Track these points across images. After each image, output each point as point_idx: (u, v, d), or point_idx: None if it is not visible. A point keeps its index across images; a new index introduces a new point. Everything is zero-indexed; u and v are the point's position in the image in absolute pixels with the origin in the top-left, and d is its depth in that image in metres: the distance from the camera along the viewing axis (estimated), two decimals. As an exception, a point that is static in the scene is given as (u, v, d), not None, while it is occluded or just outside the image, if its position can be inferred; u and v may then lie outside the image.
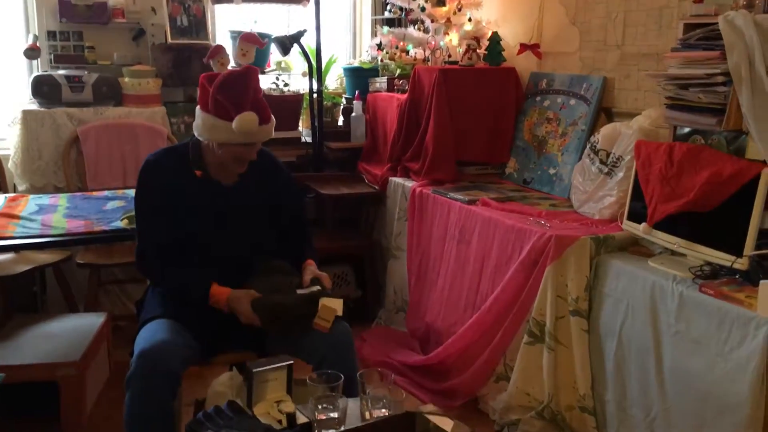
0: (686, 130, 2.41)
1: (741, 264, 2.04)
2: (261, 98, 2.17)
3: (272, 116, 2.20)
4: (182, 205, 2.19)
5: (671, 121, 2.40)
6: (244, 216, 2.24)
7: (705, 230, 2.18)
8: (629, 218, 2.48)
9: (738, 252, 2.05)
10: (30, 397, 2.69)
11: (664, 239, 2.30)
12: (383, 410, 1.63)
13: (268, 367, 1.64)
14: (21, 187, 3.51)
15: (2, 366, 2.51)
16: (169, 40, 3.81)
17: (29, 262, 3.18)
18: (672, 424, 2.14)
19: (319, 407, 1.60)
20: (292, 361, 1.69)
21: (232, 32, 3.97)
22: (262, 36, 3.92)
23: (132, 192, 3.05)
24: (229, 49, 2.83)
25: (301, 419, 1.60)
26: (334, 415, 1.61)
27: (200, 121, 2.17)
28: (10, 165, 3.52)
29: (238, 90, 2.09)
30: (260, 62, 4.05)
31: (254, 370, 1.62)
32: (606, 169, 2.74)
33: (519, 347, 2.60)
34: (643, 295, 2.24)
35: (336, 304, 2.06)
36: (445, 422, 1.48)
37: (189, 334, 2.06)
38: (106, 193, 3.13)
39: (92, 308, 3.27)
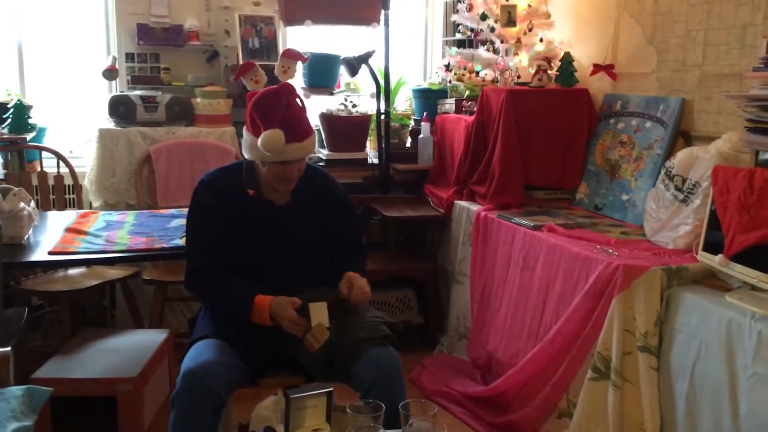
0: (769, 155, 2.23)
1: (829, 302, 1.86)
2: (295, 115, 2.12)
3: (311, 134, 2.17)
4: (235, 225, 2.19)
5: (752, 146, 2.23)
6: (296, 236, 2.22)
7: (789, 264, 2.00)
8: (705, 249, 2.31)
9: (826, 289, 1.87)
10: (90, 411, 2.74)
11: (742, 272, 2.13)
12: (425, 445, 1.55)
13: (306, 393, 1.59)
14: (96, 204, 3.62)
15: (63, 379, 2.56)
16: (241, 62, 3.87)
17: (99, 277, 3.26)
18: (749, 476, 1.96)
19: (358, 438, 1.53)
20: (332, 389, 1.63)
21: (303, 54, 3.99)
22: (331, 57, 3.94)
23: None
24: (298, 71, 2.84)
25: (339, 450, 1.54)
26: (374, 447, 1.54)
27: (243, 140, 2.19)
28: (86, 182, 3.65)
29: (269, 107, 2.08)
30: (330, 83, 4.06)
31: (292, 396, 1.57)
32: (681, 196, 2.57)
33: (583, 383, 2.46)
34: (719, 333, 2.07)
35: (321, 312, 1.99)
36: (488, 463, 1.38)
37: (237, 356, 2.04)
38: (172, 211, 3.18)
39: (157, 324, 3.32)
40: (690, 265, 2.35)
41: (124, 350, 2.88)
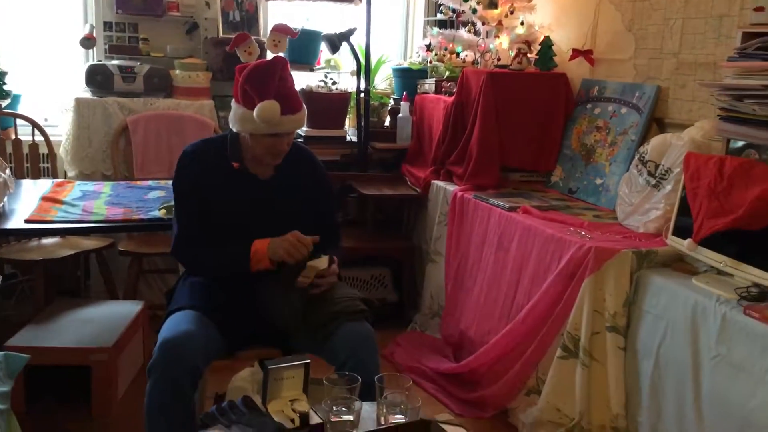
0: (740, 143, 2.29)
1: (791, 287, 1.93)
2: (288, 88, 2.14)
3: (303, 108, 2.19)
4: (218, 197, 2.19)
5: (724, 134, 2.29)
6: (279, 210, 2.23)
7: (754, 250, 2.06)
8: (675, 233, 2.37)
9: (788, 275, 1.94)
10: (63, 380, 2.74)
11: (710, 257, 2.19)
12: (400, 416, 1.59)
13: (284, 365, 1.62)
14: (71, 174, 3.59)
15: (37, 348, 2.56)
16: (221, 35, 3.85)
17: (73, 247, 3.24)
18: (708, 452, 2.04)
19: (334, 409, 1.56)
20: (308, 360, 1.67)
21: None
22: (312, 33, 3.93)
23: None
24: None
25: (315, 419, 1.57)
26: (349, 417, 1.57)
27: (232, 112, 2.19)
28: (61, 151, 3.61)
29: (264, 79, 2.09)
30: (310, 59, 4.06)
31: (270, 367, 1.60)
32: (654, 182, 2.63)
33: (552, 361, 2.52)
34: (684, 315, 2.14)
35: (321, 263, 2.07)
36: (460, 433, 1.43)
37: (214, 327, 2.06)
38: (149, 182, 3.17)
39: (131, 296, 3.32)
40: (659, 248, 2.41)
41: (99, 320, 2.89)
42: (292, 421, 1.55)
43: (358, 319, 2.08)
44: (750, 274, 2.07)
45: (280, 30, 2.35)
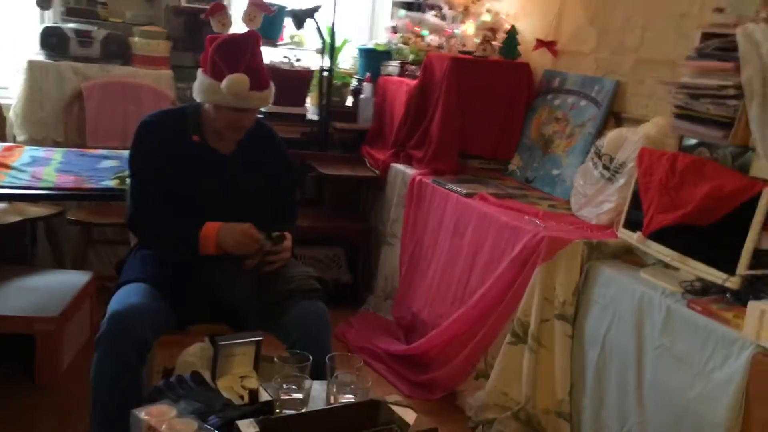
0: (693, 141, 2.35)
1: (733, 283, 1.99)
2: (259, 64, 2.12)
3: (271, 85, 2.17)
4: (177, 170, 2.15)
5: (678, 131, 2.34)
6: (238, 185, 2.20)
7: (700, 245, 2.12)
8: (626, 226, 2.42)
9: (731, 270, 1.99)
10: (7, 349, 2.68)
11: (658, 251, 2.25)
12: (350, 396, 1.60)
13: (235, 341, 1.61)
14: (20, 138, 3.48)
15: (-21, 315, 2.50)
16: (183, 3, 3.76)
17: (20, 214, 3.15)
18: (646, 438, 2.10)
19: (284, 387, 1.56)
20: (261, 338, 1.66)
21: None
22: (277, 8, 3.87)
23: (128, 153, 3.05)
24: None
25: (264, 397, 1.57)
26: (299, 395, 1.57)
27: (198, 82, 2.15)
28: (11, 114, 3.50)
29: (235, 52, 2.06)
30: (273, 34, 3.99)
31: (220, 343, 1.58)
32: (608, 175, 2.68)
33: (501, 346, 2.56)
34: (631, 306, 2.19)
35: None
36: (408, 414, 1.45)
37: (165, 301, 2.03)
38: (102, 151, 3.11)
39: (80, 266, 3.25)
40: (610, 240, 2.46)
41: (45, 289, 2.83)
42: (242, 397, 1.55)
43: (311, 297, 2.07)
44: (695, 269, 2.12)
45: (257, 5, 2.31)
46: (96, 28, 3.58)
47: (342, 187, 3.93)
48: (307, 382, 1.58)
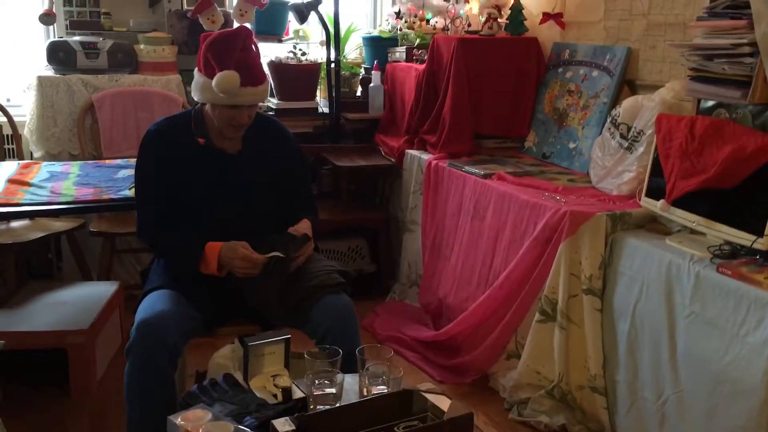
0: (710, 103, 2.30)
1: (761, 244, 1.96)
2: (251, 59, 2.12)
3: (265, 80, 2.17)
4: (185, 174, 2.16)
5: (694, 94, 2.30)
6: (247, 184, 2.21)
7: (725, 208, 2.09)
8: (648, 195, 2.39)
9: (759, 232, 1.96)
10: (40, 363, 2.71)
11: (682, 217, 2.22)
12: (382, 387, 1.60)
13: (264, 341, 1.61)
14: (37, 154, 3.52)
15: (12, 332, 2.53)
16: (185, 7, 3.76)
17: (43, 230, 3.18)
18: (684, 408, 2.08)
19: (316, 382, 1.56)
20: (289, 335, 1.66)
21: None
22: (279, 3, 3.85)
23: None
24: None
25: (297, 394, 1.57)
26: (331, 390, 1.57)
27: (194, 82, 2.16)
28: (25, 131, 3.53)
29: (225, 49, 2.06)
30: (278, 30, 3.98)
31: (250, 344, 1.59)
32: (626, 144, 2.64)
33: (531, 325, 2.54)
34: (659, 275, 2.16)
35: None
36: (443, 401, 1.44)
37: (191, 306, 2.04)
38: (118, 161, 3.11)
39: (105, 277, 3.28)
40: (633, 210, 2.43)
41: (74, 302, 2.85)
42: (275, 396, 1.55)
43: (336, 291, 2.07)
44: (722, 233, 2.10)
45: (248, 0, 2.31)
46: (101, 39, 3.59)
47: (358, 177, 3.92)
48: (339, 377, 1.58)
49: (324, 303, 2.03)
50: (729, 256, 2.05)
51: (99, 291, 2.97)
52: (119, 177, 2.81)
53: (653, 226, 2.39)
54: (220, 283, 2.09)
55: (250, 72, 2.09)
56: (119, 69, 3.62)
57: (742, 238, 2.02)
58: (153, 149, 2.20)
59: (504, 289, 2.65)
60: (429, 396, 1.46)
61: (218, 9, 2.26)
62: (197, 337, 2.07)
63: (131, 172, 2.89)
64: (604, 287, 2.38)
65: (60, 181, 2.70)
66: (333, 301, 2.04)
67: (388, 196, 3.89)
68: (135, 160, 3.10)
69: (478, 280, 2.89)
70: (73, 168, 2.94)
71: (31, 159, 3.49)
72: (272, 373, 1.61)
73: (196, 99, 2.19)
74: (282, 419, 1.34)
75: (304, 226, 2.20)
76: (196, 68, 2.18)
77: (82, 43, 3.53)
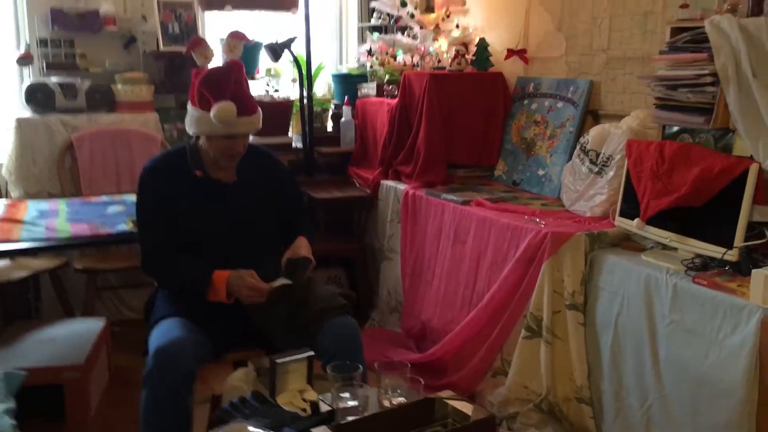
0: (674, 129, 2.51)
1: (731, 255, 2.14)
2: (244, 91, 2.25)
3: (258, 110, 2.28)
4: (185, 206, 2.24)
5: (661, 121, 2.51)
6: (246, 213, 2.30)
7: (696, 224, 2.28)
8: (621, 214, 2.57)
9: (728, 244, 2.15)
10: (34, 401, 2.70)
11: (656, 234, 2.40)
12: (401, 398, 1.69)
13: (290, 358, 1.70)
14: (14, 194, 3.51)
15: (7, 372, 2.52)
16: (161, 47, 3.84)
17: (26, 269, 3.18)
18: (668, 411, 2.23)
19: (341, 396, 1.65)
20: (312, 353, 1.75)
21: (223, 39, 4.00)
22: (252, 43, 3.97)
23: (130, 197, 3.11)
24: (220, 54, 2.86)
25: (324, 408, 1.65)
26: (355, 403, 1.66)
27: (188, 116, 2.26)
28: (3, 172, 3.53)
29: (220, 82, 2.18)
30: (250, 69, 4.10)
31: (277, 361, 1.67)
32: (596, 169, 2.83)
33: (516, 343, 2.67)
34: (638, 288, 2.33)
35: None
36: (465, 406, 1.55)
37: (201, 332, 2.11)
38: (104, 198, 3.16)
39: (89, 314, 3.28)
40: (609, 230, 2.61)
41: (64, 339, 2.86)
42: (304, 410, 1.63)
43: (341, 313, 2.17)
44: (693, 247, 2.28)
45: (236, 36, 2.42)
46: (79, 79, 3.64)
47: (334, 209, 4.03)
48: (363, 390, 1.67)
49: (331, 325, 2.12)
50: (701, 268, 2.23)
51: (87, 327, 2.98)
52: (110, 213, 2.86)
53: (628, 243, 2.57)
54: (228, 309, 2.16)
55: (245, 102, 2.22)
56: (97, 108, 3.67)
57: (713, 250, 2.20)
58: (152, 184, 2.27)
59: (489, 309, 2.78)
60: (451, 402, 1.56)
61: (209, 45, 2.37)
62: (208, 363, 2.13)
63: (121, 207, 2.96)
64: (586, 302, 2.54)
65: (52, 218, 2.73)
66: (339, 323, 2.13)
67: (364, 226, 4.01)
68: (119, 196, 3.21)
69: (461, 302, 3.01)
70: (60, 205, 2.97)
71: (8, 199, 3.49)
72: (297, 389, 1.69)
73: (191, 132, 2.28)
74: (320, 428, 1.43)
75: (302, 245, 2.29)
76: (189, 103, 2.28)
77: (60, 84, 3.57)
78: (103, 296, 3.65)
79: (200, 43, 2.40)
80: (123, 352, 3.26)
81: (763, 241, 2.09)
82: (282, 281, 2.10)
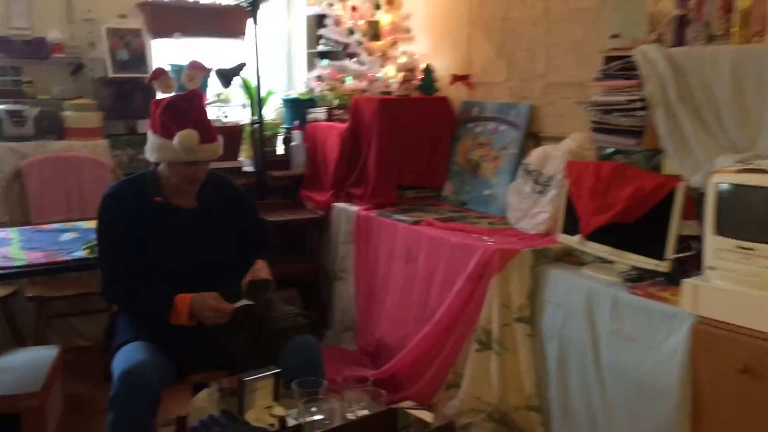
0: (609, 150, 2.70)
1: (663, 267, 2.32)
2: (205, 119, 2.33)
3: (218, 137, 2.36)
4: (147, 232, 2.28)
5: (597, 143, 2.69)
6: (207, 238, 2.35)
7: (631, 239, 2.44)
8: (563, 231, 2.73)
9: (660, 257, 2.32)
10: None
11: (595, 249, 2.56)
12: (364, 411, 1.78)
13: (257, 376, 1.77)
14: (-39, 223, 3.47)
15: (-38, 402, 2.50)
16: (110, 74, 3.87)
17: (-24, 298, 3.15)
18: (611, 414, 2.38)
19: (308, 410, 1.73)
20: (279, 370, 1.82)
21: (173, 65, 4.05)
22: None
23: (82, 224, 3.13)
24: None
25: (291, 422, 1.72)
26: (321, 416, 1.74)
27: (149, 143, 2.32)
28: (-51, 200, 3.48)
29: (182, 110, 2.25)
30: (200, 95, 4.15)
31: (245, 379, 1.74)
32: (539, 188, 3.00)
33: (468, 356, 2.79)
34: (580, 300, 2.48)
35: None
36: (426, 415, 1.65)
37: (165, 354, 2.15)
38: (55, 225, 3.15)
39: (41, 342, 3.26)
40: (552, 246, 2.76)
41: (18, 368, 2.84)
42: (272, 426, 1.70)
43: (303, 332, 2.24)
44: (629, 260, 2.45)
45: (196, 66, 2.50)
46: (27, 106, 3.63)
47: (287, 231, 4.09)
48: (329, 403, 1.75)
49: (293, 343, 2.19)
50: (637, 279, 2.40)
51: (41, 355, 2.96)
52: (64, 240, 2.86)
53: (570, 258, 2.72)
54: (190, 331, 2.21)
55: (207, 130, 2.29)
56: (46, 135, 3.66)
57: (647, 263, 2.38)
58: (113, 211, 2.31)
59: (441, 324, 2.90)
60: (412, 411, 1.66)
61: (170, 75, 2.44)
62: (171, 385, 2.17)
63: (74, 234, 2.97)
64: (533, 315, 2.68)
65: (5, 246, 2.73)
66: (301, 341, 2.21)
67: (317, 248, 4.08)
68: (72, 223, 3.21)
69: (414, 319, 3.12)
70: (12, 233, 2.96)
71: (-46, 228, 3.44)
72: (264, 406, 1.76)
73: (152, 159, 2.34)
74: (290, 441, 1.50)
75: (261, 267, 2.35)
76: (150, 131, 2.33)
77: (8, 111, 3.56)
78: (54, 324, 3.62)
79: (162, 74, 2.46)
80: (76, 380, 3.25)
81: (691, 253, 2.26)
82: (244, 302, 2.17)
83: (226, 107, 4.32)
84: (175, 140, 2.20)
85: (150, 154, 2.32)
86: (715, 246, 2.04)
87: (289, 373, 2.12)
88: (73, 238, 2.87)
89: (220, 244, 2.37)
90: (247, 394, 1.74)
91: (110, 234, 2.30)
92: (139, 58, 3.97)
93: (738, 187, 1.99)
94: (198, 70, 2.60)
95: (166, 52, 4.21)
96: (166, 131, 2.25)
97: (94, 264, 2.54)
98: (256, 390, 1.77)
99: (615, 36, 2.66)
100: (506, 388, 2.71)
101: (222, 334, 2.19)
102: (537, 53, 3.34)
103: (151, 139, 2.31)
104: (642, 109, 2.41)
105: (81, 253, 2.62)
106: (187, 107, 2.27)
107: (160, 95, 2.55)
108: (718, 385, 2.04)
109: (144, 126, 4.05)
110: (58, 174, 3.61)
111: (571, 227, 2.67)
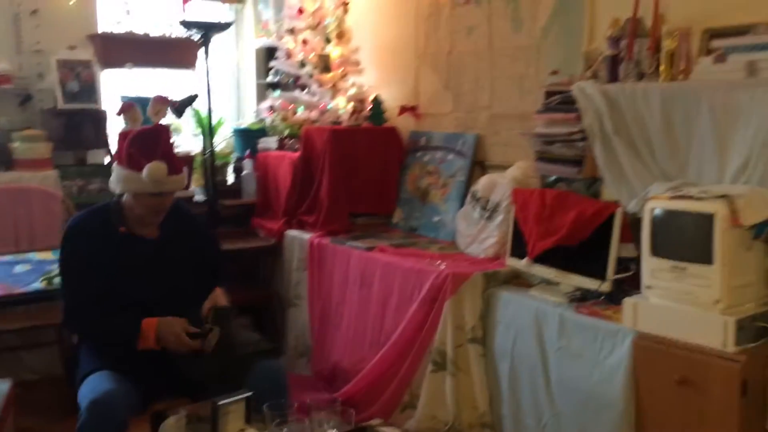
0: (552, 178, 2.87)
1: (605, 287, 2.48)
2: (172, 151, 2.41)
3: (183, 169, 2.43)
4: (110, 261, 2.32)
5: (541, 171, 2.86)
6: (170, 267, 2.41)
7: (575, 261, 2.60)
8: (511, 255, 2.88)
9: (602, 277, 2.49)
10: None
11: (542, 271, 2.72)
12: (334, 430, 1.86)
13: (230, 399, 1.83)
14: None
15: None
16: (61, 105, 3.86)
17: None
18: (561, 428, 2.51)
19: (284, 430, 1.80)
20: (251, 392, 1.88)
21: (123, 97, 4.07)
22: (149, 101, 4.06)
23: (35, 255, 3.12)
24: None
25: (264, 444, 1.79)
26: (292, 437, 1.82)
27: (115, 175, 2.37)
28: None
29: (151, 143, 2.32)
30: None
31: (219, 403, 1.79)
32: (487, 214, 3.15)
33: (423, 377, 2.90)
34: (529, 320, 2.62)
35: (214, 335, 2.25)
36: (394, 431, 1.74)
37: (130, 383, 2.18)
38: (7, 257, 3.13)
39: (-11, 376, 3.20)
40: (500, 269, 2.91)
41: (-29, 403, 2.79)
42: (245, 447, 1.76)
43: (267, 357, 2.31)
44: (574, 281, 2.61)
45: (160, 100, 2.56)
46: (-26, 138, 3.60)
47: (239, 259, 4.13)
48: (299, 425, 1.83)
49: (259, 368, 2.26)
50: (582, 299, 2.56)
51: (-7, 390, 2.92)
52: (19, 272, 2.86)
53: (518, 280, 2.87)
54: (153, 359, 2.25)
55: (173, 162, 2.36)
56: (-6, 167, 3.63)
57: (590, 284, 2.54)
58: (77, 241, 2.34)
59: (397, 346, 3.00)
60: (381, 428, 1.75)
61: (138, 109, 2.49)
62: (138, 414, 2.20)
63: (27, 266, 2.97)
64: (485, 335, 2.81)
65: (-43, 279, 2.71)
66: (267, 366, 2.28)
67: (270, 275, 4.14)
68: (23, 255, 3.20)
69: (370, 343, 3.21)
70: (-37, 267, 2.93)
71: None
72: (237, 429, 1.82)
73: (117, 190, 2.38)
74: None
75: (220, 294, 2.41)
76: (116, 163, 2.38)
77: (-46, 142, 3.51)
78: (2, 357, 3.55)
79: (131, 107, 2.52)
80: (26, 414, 3.19)
81: (630, 273, 2.43)
82: (215, 334, 2.21)
83: (177, 137, 4.34)
84: (144, 172, 2.25)
85: (115, 185, 2.37)
86: (651, 266, 2.21)
87: (257, 397, 2.20)
88: (28, 270, 2.88)
89: (182, 273, 2.43)
90: (220, 417, 1.80)
91: (74, 264, 2.33)
92: (90, 89, 3.98)
93: (671, 213, 2.17)
94: (163, 104, 2.66)
95: (117, 83, 4.24)
96: (133, 163, 2.30)
97: (53, 296, 2.55)
98: (229, 413, 1.83)
99: (554, 72, 2.85)
100: (461, 406, 2.82)
101: (186, 362, 2.23)
102: (482, 86, 3.52)
103: (117, 170, 2.36)
104: (582, 140, 2.60)
105: (39, 285, 2.63)
106: (156, 140, 2.33)
107: (121, 128, 2.60)
108: (658, 395, 2.19)
109: (95, 156, 4.06)
110: (6, 205, 3.56)
111: (518, 251, 2.82)
